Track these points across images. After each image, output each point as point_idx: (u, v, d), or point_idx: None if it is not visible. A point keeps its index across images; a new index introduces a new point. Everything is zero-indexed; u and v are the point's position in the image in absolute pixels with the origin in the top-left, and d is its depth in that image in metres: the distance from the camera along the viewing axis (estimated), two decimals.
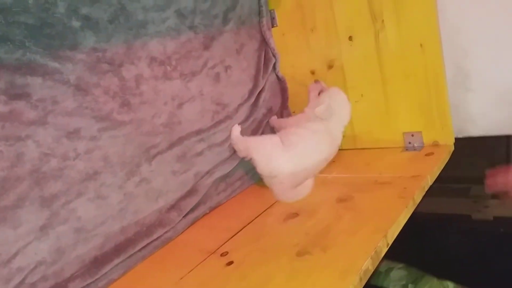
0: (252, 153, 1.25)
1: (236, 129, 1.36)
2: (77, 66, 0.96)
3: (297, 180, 1.24)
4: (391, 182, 1.19)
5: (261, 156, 1.24)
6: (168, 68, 1.18)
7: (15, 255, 0.84)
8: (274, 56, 1.61)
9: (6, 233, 0.83)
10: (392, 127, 1.48)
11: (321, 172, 1.41)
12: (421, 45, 1.32)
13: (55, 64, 0.91)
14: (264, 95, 1.54)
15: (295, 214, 1.12)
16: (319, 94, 1.39)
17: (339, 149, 1.51)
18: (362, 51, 1.44)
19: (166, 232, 1.12)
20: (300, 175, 1.23)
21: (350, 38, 1.45)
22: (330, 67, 1.53)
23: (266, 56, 1.58)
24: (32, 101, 0.88)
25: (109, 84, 1.02)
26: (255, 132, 1.48)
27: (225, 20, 1.39)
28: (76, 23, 0.96)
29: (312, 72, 1.57)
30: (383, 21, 1.35)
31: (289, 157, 1.21)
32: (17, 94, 0.85)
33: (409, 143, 1.45)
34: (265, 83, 1.55)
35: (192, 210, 1.21)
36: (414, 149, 1.43)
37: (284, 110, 1.63)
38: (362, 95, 1.50)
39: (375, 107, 1.48)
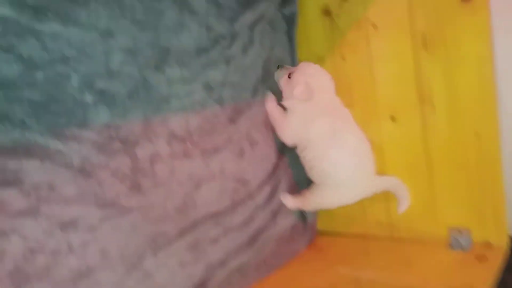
0: None
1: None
2: (84, 146, 0.84)
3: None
4: None
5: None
6: (189, 145, 1.06)
7: None
8: None
9: None
10: (435, 219, 1.29)
11: (353, 267, 1.24)
12: (476, 133, 1.16)
13: (58, 145, 0.80)
14: (289, 171, 1.40)
15: None
16: (289, 77, 1.25)
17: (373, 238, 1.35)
18: (405, 134, 1.28)
19: None
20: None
21: (393, 118, 1.30)
22: None
23: None
24: (24, 188, 0.76)
25: (119, 165, 0.90)
26: (276, 213, 1.32)
27: (255, 92, 1.28)
28: (89, 98, 0.86)
29: None
30: (433, 105, 1.21)
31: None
32: (7, 181, 0.74)
33: (455, 239, 1.26)
34: (291, 158, 1.41)
35: None
36: (461, 248, 1.23)
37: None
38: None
39: (417, 195, 1.31)
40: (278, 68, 1.28)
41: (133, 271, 0.92)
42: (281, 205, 1.33)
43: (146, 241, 0.95)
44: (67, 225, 0.81)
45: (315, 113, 1.20)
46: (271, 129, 1.34)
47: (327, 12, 1.37)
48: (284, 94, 1.27)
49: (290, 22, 1.39)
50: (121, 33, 0.92)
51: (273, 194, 1.31)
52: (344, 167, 1.20)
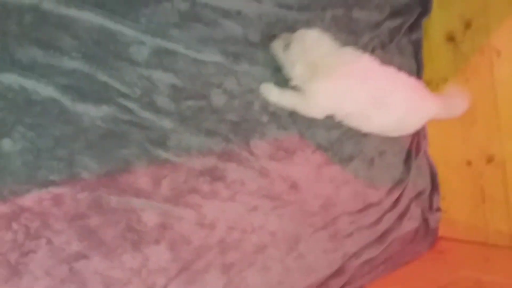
0: None
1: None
2: (261, 155, 1.14)
3: None
4: None
5: None
6: (330, 153, 1.31)
7: None
8: (425, 139, 1.64)
9: None
10: None
11: (474, 270, 1.36)
12: None
13: (246, 154, 1.11)
14: (414, 179, 1.56)
15: None
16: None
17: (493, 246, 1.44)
18: None
19: None
20: None
21: None
22: (489, 161, 1.48)
23: (418, 140, 1.61)
24: (227, 182, 1.08)
25: (284, 170, 1.19)
26: (402, 216, 1.50)
27: None
28: (265, 118, 1.16)
29: (468, 163, 1.54)
30: None
31: None
32: (217, 177, 1.06)
33: None
34: (415, 167, 1.58)
35: None
36: None
37: (434, 195, 1.61)
38: None
39: None
40: (270, 40, 1.14)
41: (291, 251, 1.19)
42: (407, 210, 1.51)
43: (301, 228, 1.22)
44: (251, 211, 1.11)
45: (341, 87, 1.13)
46: (398, 140, 1.53)
47: (451, 38, 1.52)
48: (285, 70, 1.16)
49: (417, 46, 1.56)
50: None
51: (399, 199, 1.49)
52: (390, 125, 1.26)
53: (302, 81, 1.12)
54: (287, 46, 1.11)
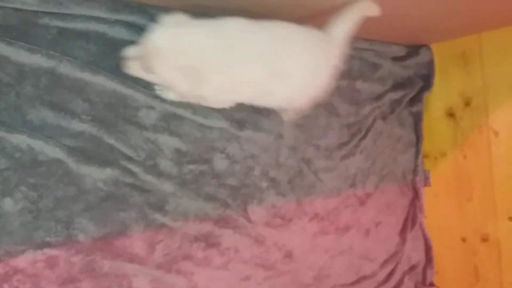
0: None
1: None
2: (258, 221, 1.15)
3: None
4: None
5: None
6: (326, 222, 1.32)
7: None
8: (421, 212, 1.65)
9: None
10: None
11: None
12: None
13: (243, 220, 1.12)
14: (408, 252, 1.56)
15: None
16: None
17: None
18: None
19: None
20: None
21: (510, 219, 1.42)
22: (484, 240, 1.49)
23: (414, 212, 1.63)
24: (221, 249, 1.08)
25: (279, 237, 1.19)
26: None
27: (381, 178, 1.51)
28: (264, 184, 1.17)
29: (463, 240, 1.55)
30: None
31: None
32: (211, 243, 1.06)
33: None
34: (410, 240, 1.58)
35: None
36: None
37: (428, 269, 1.61)
38: None
39: None
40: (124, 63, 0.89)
41: None
42: (400, 283, 1.50)
43: None
44: (243, 281, 1.11)
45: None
46: (393, 212, 1.54)
47: (451, 114, 1.58)
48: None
49: (417, 118, 1.61)
50: (287, 135, 1.24)
51: (393, 272, 1.48)
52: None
53: (193, 91, 0.90)
54: (146, 67, 0.87)
